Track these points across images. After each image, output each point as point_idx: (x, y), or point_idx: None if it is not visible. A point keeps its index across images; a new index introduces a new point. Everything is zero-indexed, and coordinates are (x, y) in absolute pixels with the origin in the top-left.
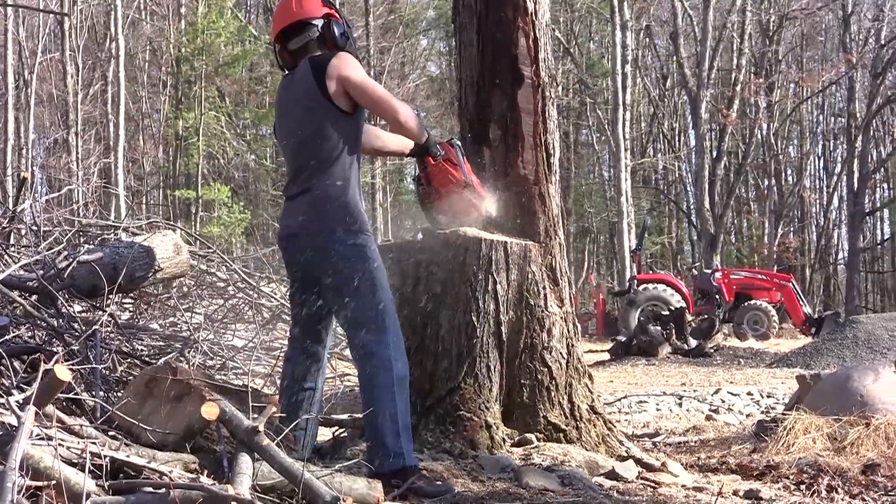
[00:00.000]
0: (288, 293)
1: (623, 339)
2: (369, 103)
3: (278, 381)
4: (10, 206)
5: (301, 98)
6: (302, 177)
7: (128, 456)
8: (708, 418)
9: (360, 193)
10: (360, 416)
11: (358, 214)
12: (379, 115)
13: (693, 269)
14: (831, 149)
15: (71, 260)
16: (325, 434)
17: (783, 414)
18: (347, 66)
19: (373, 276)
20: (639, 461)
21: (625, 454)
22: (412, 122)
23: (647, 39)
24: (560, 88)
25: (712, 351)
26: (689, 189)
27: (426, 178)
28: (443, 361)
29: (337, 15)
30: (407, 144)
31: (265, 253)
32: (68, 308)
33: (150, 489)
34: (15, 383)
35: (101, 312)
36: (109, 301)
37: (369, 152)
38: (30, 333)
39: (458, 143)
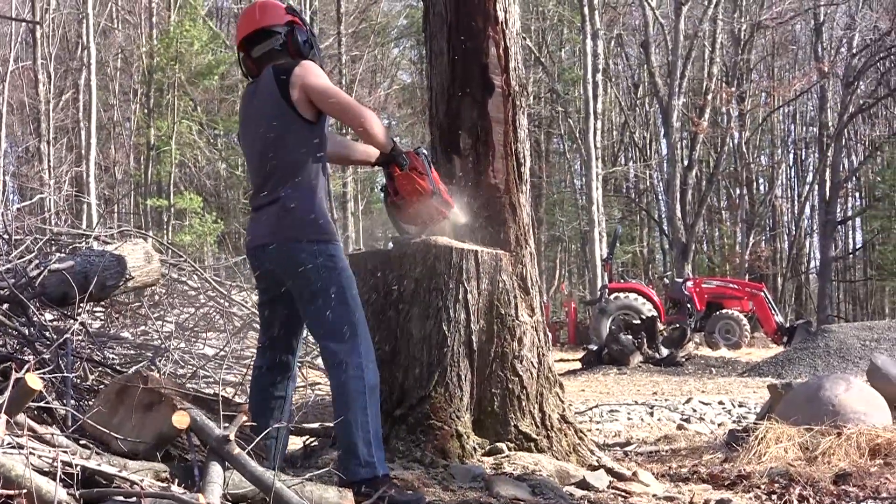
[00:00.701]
0: (257, 302)
1: (594, 348)
2: (333, 110)
3: (249, 391)
4: None
5: (264, 106)
6: (267, 186)
7: (99, 465)
8: (679, 427)
9: (328, 202)
10: (331, 424)
11: (325, 224)
12: (344, 122)
13: (664, 278)
14: (803, 158)
15: (42, 268)
16: (295, 443)
17: (755, 423)
18: (310, 73)
19: (342, 286)
20: (610, 471)
21: (596, 464)
22: (377, 130)
23: (619, 48)
24: (531, 97)
25: (684, 360)
26: (660, 198)
27: (393, 187)
28: (414, 370)
29: (300, 23)
30: (372, 153)
31: (236, 261)
32: (39, 317)
33: (121, 498)
34: None
35: (72, 321)
36: (80, 309)
37: (335, 161)
38: (0, 342)
39: (425, 151)
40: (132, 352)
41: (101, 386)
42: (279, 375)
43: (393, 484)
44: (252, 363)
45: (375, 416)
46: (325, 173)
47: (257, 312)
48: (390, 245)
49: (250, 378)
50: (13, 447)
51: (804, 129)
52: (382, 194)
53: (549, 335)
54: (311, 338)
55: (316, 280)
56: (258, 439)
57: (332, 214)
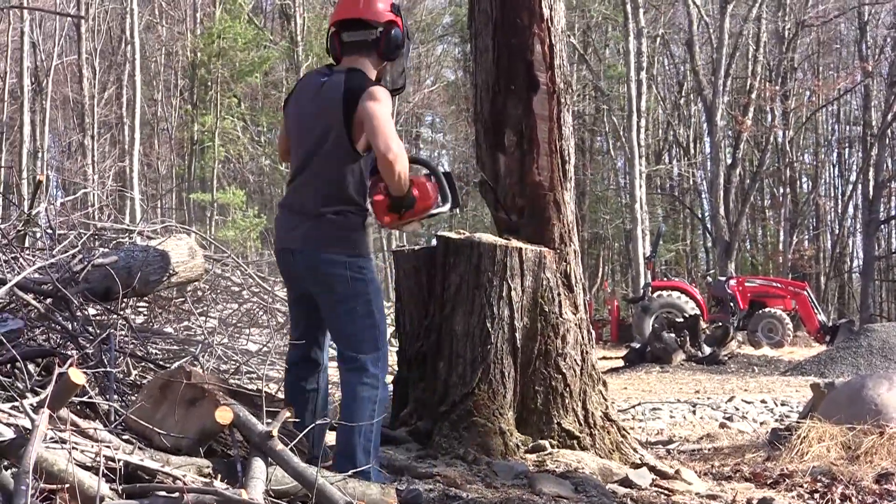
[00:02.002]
0: (286, 299)
1: (637, 346)
2: (369, 130)
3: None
4: (26, 210)
5: (324, 113)
6: (308, 193)
7: (141, 460)
8: (722, 426)
9: (366, 215)
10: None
11: (358, 240)
12: (372, 143)
13: (707, 277)
14: (847, 157)
15: (86, 263)
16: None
17: (797, 422)
18: (374, 98)
19: (368, 298)
20: (652, 469)
21: (639, 461)
22: (397, 169)
23: (663, 47)
24: (575, 95)
25: (726, 359)
26: (704, 196)
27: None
28: (457, 367)
29: (400, 24)
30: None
31: None
32: (83, 311)
33: (164, 493)
34: (29, 386)
35: (115, 316)
36: (124, 305)
37: None
38: (44, 337)
39: (442, 173)
40: (175, 347)
41: (144, 381)
42: (310, 370)
43: None
44: None
45: (378, 431)
46: (367, 188)
47: None
48: (434, 242)
49: (285, 374)
50: (56, 442)
51: (848, 127)
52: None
53: (593, 333)
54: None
55: (342, 290)
56: (300, 435)
57: (369, 230)
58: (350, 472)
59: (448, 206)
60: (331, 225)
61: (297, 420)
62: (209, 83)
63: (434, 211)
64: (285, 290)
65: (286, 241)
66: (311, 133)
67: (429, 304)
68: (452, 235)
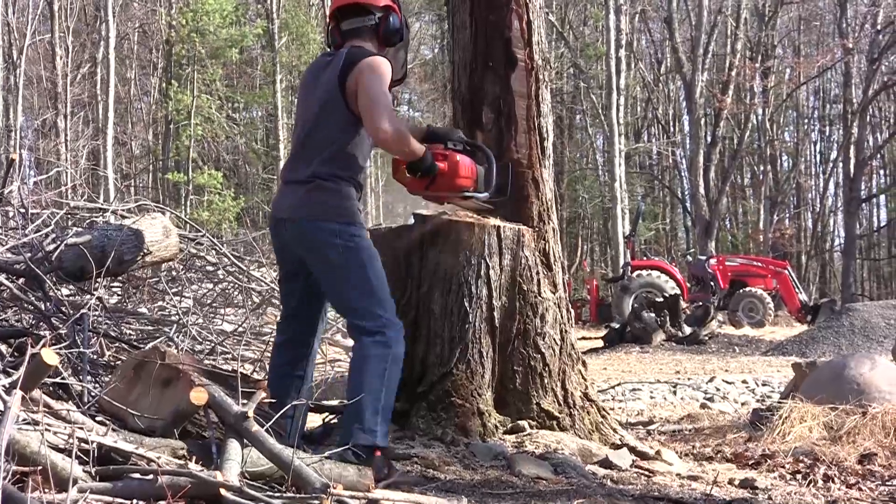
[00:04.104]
0: (277, 277)
1: (617, 326)
2: (362, 106)
3: (268, 368)
4: None
5: (324, 85)
6: (302, 162)
7: (115, 442)
8: (702, 406)
9: (360, 190)
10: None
11: (350, 207)
12: (364, 122)
13: (688, 256)
14: (827, 134)
15: (59, 243)
16: (315, 420)
17: (779, 402)
18: (372, 69)
19: (362, 263)
20: (633, 449)
21: (619, 442)
22: (397, 148)
23: (642, 24)
24: (554, 72)
25: (707, 338)
26: (683, 175)
27: (426, 183)
28: (435, 347)
29: (398, 10)
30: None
31: (255, 237)
32: (56, 291)
33: (138, 475)
34: (1, 367)
35: (88, 296)
36: (97, 284)
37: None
38: (17, 317)
39: (461, 136)
40: (150, 327)
41: (118, 362)
42: (298, 353)
43: (389, 462)
44: (271, 339)
45: (391, 391)
46: (363, 165)
47: (276, 288)
48: (411, 220)
49: (269, 354)
50: (28, 423)
51: (828, 105)
52: (409, 174)
53: (572, 312)
54: (331, 313)
55: (336, 258)
56: (276, 416)
57: (363, 205)
58: (352, 429)
59: (486, 194)
60: (321, 192)
61: (273, 400)
62: (185, 61)
63: (470, 194)
64: (276, 266)
65: (279, 211)
66: (310, 109)
67: (406, 283)
68: (430, 213)
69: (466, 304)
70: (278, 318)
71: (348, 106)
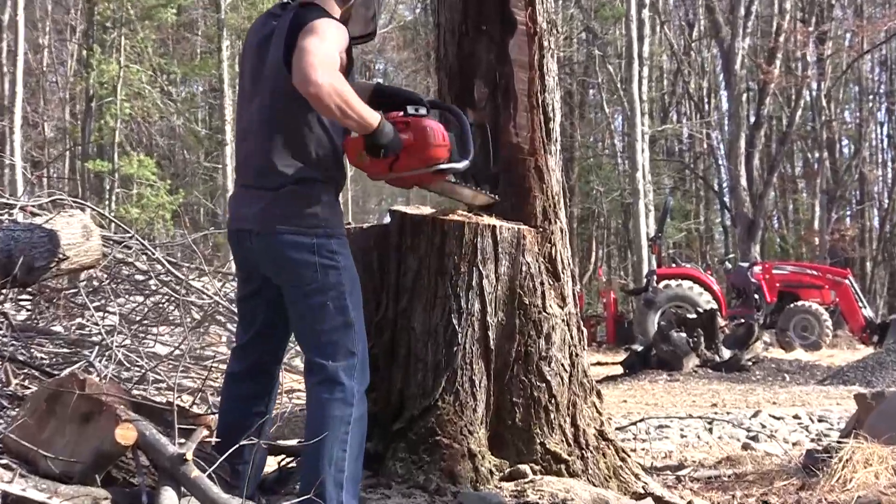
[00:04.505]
0: (236, 294)
1: (639, 348)
2: (293, 66)
3: (213, 399)
4: None
5: (271, 67)
6: (264, 162)
7: (23, 490)
8: (745, 447)
9: (340, 189)
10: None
11: (330, 214)
12: (292, 72)
13: (726, 263)
14: None
15: None
16: (269, 464)
17: (838, 442)
18: (314, 30)
19: (342, 290)
20: (659, 500)
21: (641, 491)
22: (331, 103)
23: None
24: (562, 37)
25: (750, 364)
26: (721, 163)
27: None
28: (416, 374)
29: None
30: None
31: (196, 239)
32: None
33: None
34: None
35: None
36: (2, 297)
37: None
38: None
39: (418, 99)
40: (66, 350)
41: (28, 392)
42: (259, 386)
43: None
44: (214, 364)
45: (355, 458)
46: (341, 157)
47: (222, 302)
48: (387, 218)
49: (214, 383)
50: None
51: None
52: (367, 154)
53: (584, 331)
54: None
55: (310, 280)
56: (221, 459)
57: (342, 206)
58: None
59: (465, 162)
60: (293, 198)
61: (218, 440)
62: (110, 23)
63: (446, 166)
64: (222, 276)
65: (240, 220)
66: (257, 86)
67: (381, 296)
68: (409, 210)
69: (455, 321)
70: (235, 341)
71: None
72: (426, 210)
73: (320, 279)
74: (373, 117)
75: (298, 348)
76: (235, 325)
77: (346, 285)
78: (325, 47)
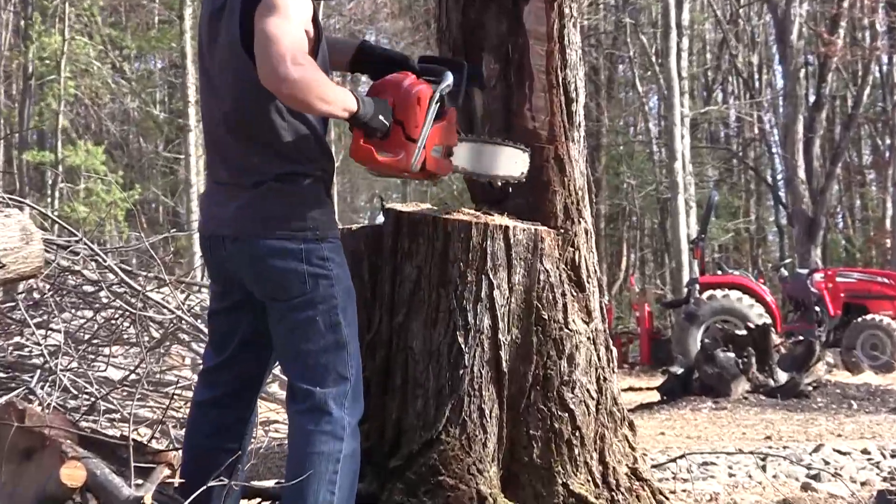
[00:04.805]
0: (208, 309)
1: (679, 371)
2: (256, 49)
3: (175, 433)
4: None
5: (229, 48)
6: (238, 157)
7: None
8: (805, 488)
9: (330, 183)
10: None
11: (320, 215)
12: (259, 75)
13: (781, 269)
14: None
15: None
16: None
17: None
18: (271, 8)
19: (334, 304)
20: None
21: None
22: (305, 98)
23: None
24: (586, 3)
25: (810, 389)
26: (775, 151)
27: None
28: (415, 402)
29: None
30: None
31: (154, 242)
32: None
33: None
34: None
35: None
36: None
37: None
38: None
39: (443, 87)
40: (1, 375)
41: None
42: (232, 417)
43: None
44: (178, 391)
45: (347, 496)
46: (325, 145)
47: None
48: (380, 218)
49: (177, 413)
50: None
51: None
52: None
53: (614, 351)
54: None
55: (297, 292)
56: (187, 503)
57: (334, 203)
58: None
59: (448, 79)
60: (276, 197)
61: (182, 481)
62: None
63: (437, 90)
64: (187, 287)
65: (214, 224)
66: (217, 67)
67: (373, 310)
68: (406, 208)
69: (460, 339)
70: (203, 364)
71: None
72: (426, 208)
73: (309, 291)
74: (349, 98)
75: (276, 371)
76: (203, 345)
77: (340, 298)
78: (289, 29)
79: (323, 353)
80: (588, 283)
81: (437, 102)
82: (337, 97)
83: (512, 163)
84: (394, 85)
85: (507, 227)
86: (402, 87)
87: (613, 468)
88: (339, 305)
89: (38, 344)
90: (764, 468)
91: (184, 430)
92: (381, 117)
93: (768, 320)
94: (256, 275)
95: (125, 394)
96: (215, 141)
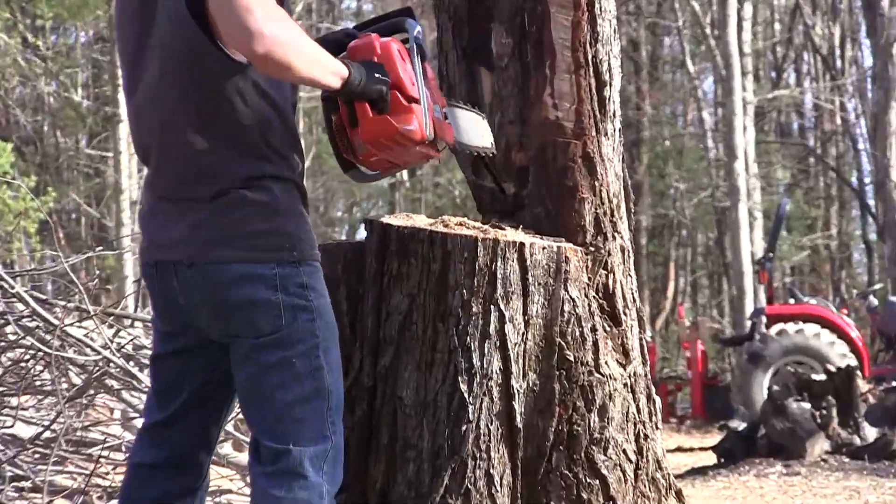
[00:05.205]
0: (152, 351)
1: (741, 426)
2: (216, 12)
3: None
4: None
5: (164, 17)
6: (182, 155)
7: None
8: None
9: (301, 185)
10: None
11: (295, 231)
12: (223, 34)
13: (870, 297)
14: None
15: None
16: None
17: None
18: None
19: (314, 343)
20: None
21: None
22: (284, 57)
23: None
24: None
25: None
26: (861, 147)
27: (348, 118)
28: (405, 467)
29: None
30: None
31: (76, 263)
32: None
33: None
34: None
35: None
36: None
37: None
38: None
39: (417, 35)
40: None
41: None
42: (180, 484)
43: None
44: (103, 450)
45: None
46: (295, 141)
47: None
48: (362, 233)
49: (122, 485)
50: None
51: None
52: (326, 125)
53: (658, 401)
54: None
55: (269, 328)
56: None
57: (309, 216)
58: None
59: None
60: (241, 208)
61: None
62: None
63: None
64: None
65: (161, 247)
66: (151, 45)
67: (352, 350)
68: (395, 220)
69: (463, 387)
70: (144, 418)
71: (213, 37)
72: (420, 220)
73: (284, 326)
74: (336, 61)
75: (229, 427)
76: (136, 394)
77: (321, 336)
78: None
79: (299, 403)
80: (625, 315)
81: (417, 54)
82: (323, 57)
83: (482, 130)
84: (364, 47)
85: (522, 245)
86: (376, 44)
87: None
88: (320, 345)
89: None
90: None
91: (113, 502)
92: (377, 76)
93: (853, 362)
94: (217, 308)
95: (38, 456)
96: (154, 140)
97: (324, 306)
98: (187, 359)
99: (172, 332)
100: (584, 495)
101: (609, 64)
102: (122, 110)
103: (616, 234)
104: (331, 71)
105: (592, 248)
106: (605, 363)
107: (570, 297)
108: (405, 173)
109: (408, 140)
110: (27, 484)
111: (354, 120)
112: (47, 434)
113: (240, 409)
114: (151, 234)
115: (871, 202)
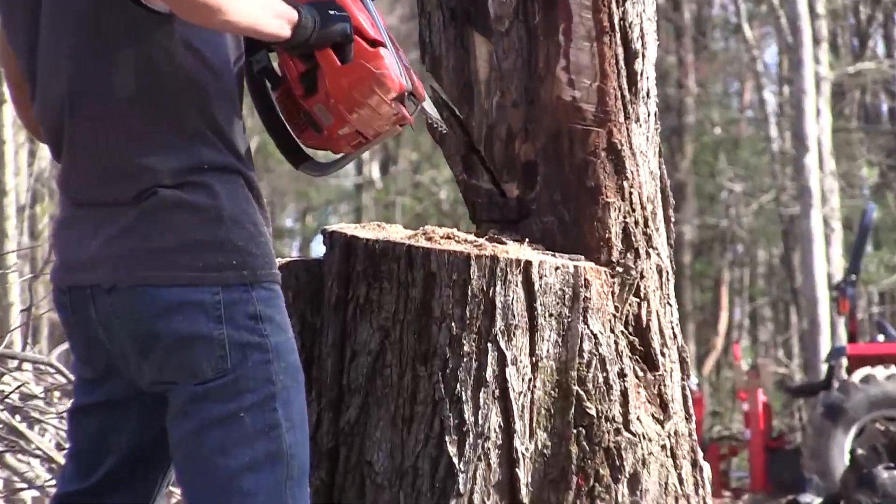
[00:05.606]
0: (71, 403)
1: (815, 501)
2: None
3: None
4: None
5: None
6: (100, 147)
7: None
8: None
9: (253, 182)
10: None
11: (247, 239)
12: None
13: None
14: None
15: None
16: None
17: None
18: None
19: (272, 395)
20: None
21: None
22: (228, 5)
23: None
24: None
25: None
26: None
27: (300, 84)
28: None
29: None
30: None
31: None
32: None
33: None
34: None
35: None
36: None
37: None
38: None
39: None
40: None
41: None
42: None
43: None
44: None
45: None
46: (236, 121)
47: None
48: (319, 246)
49: None
50: None
51: None
52: (258, 86)
53: (707, 468)
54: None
55: (212, 373)
56: None
57: (268, 221)
58: None
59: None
60: (173, 213)
61: None
62: None
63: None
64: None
65: (73, 270)
66: (64, 21)
67: (307, 400)
68: (363, 232)
69: (451, 449)
70: (59, 486)
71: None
72: (396, 231)
73: (230, 369)
74: (278, 2)
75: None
76: (26, 458)
77: (279, 383)
78: None
79: (248, 471)
80: (663, 356)
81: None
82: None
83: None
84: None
85: (528, 264)
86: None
87: None
88: (277, 395)
89: None
90: None
91: None
92: (333, 13)
93: None
94: (145, 346)
95: None
96: (67, 136)
97: (283, 344)
98: (113, 415)
99: (94, 378)
100: None
101: (641, 28)
102: (7, 89)
103: (651, 251)
104: (274, 14)
105: (620, 269)
106: (637, 419)
107: (592, 332)
108: (375, 169)
109: (385, 90)
110: None
111: (311, 83)
112: None
113: (178, 481)
114: (64, 252)
115: None
